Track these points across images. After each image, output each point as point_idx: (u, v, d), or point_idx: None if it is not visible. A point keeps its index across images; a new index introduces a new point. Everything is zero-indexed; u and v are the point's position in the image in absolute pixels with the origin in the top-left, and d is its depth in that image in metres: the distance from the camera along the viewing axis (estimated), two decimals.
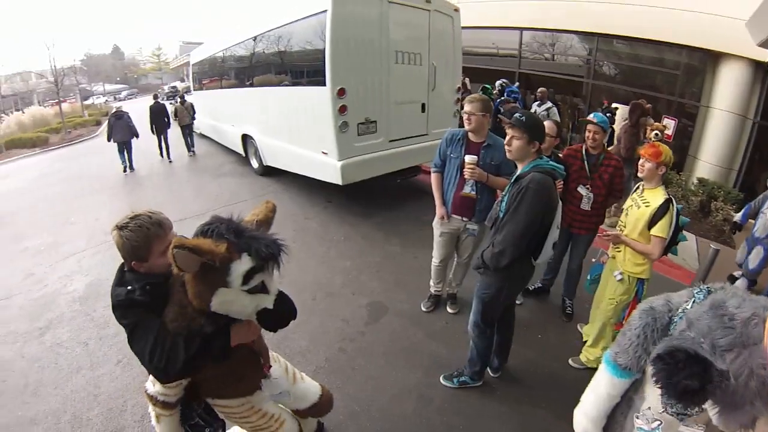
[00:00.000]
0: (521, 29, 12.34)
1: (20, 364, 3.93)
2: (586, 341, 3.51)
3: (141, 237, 1.71)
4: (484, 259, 2.62)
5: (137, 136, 11.31)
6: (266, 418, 2.11)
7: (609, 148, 4.11)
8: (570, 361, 3.45)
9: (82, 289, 5.14)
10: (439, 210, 3.77)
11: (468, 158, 3.38)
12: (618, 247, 3.19)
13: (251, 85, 8.80)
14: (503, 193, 2.67)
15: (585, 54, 11.73)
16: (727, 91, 9.26)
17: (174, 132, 12.77)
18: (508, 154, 2.57)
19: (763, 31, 6.05)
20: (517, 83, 9.51)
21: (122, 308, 1.70)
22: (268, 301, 1.72)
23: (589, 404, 1.59)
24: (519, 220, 2.38)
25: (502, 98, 7.67)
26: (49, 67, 25.57)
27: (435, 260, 4.10)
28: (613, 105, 8.36)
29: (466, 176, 3.42)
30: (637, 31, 10.01)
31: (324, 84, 5.65)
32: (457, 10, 7.02)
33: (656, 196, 2.93)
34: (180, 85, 37.12)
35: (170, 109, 13.42)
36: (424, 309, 4.23)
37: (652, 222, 2.90)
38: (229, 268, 1.56)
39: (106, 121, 12.97)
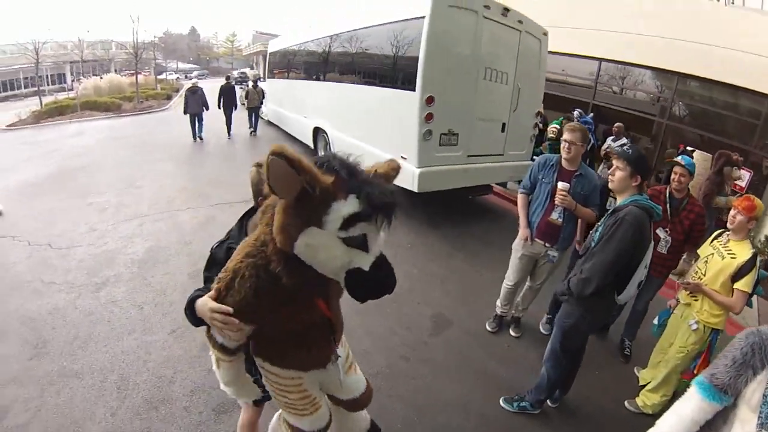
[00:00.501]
0: (600, 60, 11.95)
1: (72, 315, 3.96)
2: (643, 385, 3.40)
3: None
4: (570, 286, 2.61)
5: (207, 108, 12.48)
6: (305, 401, 1.94)
7: None
8: (626, 404, 3.33)
9: (141, 252, 5.20)
10: (524, 231, 3.69)
11: (561, 185, 3.33)
12: (695, 296, 3.08)
13: (331, 80, 8.81)
14: (598, 223, 2.69)
15: (662, 92, 11.21)
16: None
17: (238, 113, 13.65)
18: (610, 184, 2.66)
19: None
20: (591, 114, 9.22)
21: (207, 261, 1.86)
22: (365, 261, 1.42)
23: (667, 427, 1.54)
24: (610, 250, 2.40)
25: None
26: (131, 39, 26.95)
27: (508, 282, 3.97)
28: (688, 148, 7.95)
29: (556, 202, 3.37)
30: (722, 75, 9.40)
31: (413, 89, 5.58)
32: (545, 33, 6.92)
33: (743, 249, 2.88)
34: (249, 72, 38.28)
35: (239, 92, 14.24)
36: (489, 329, 4.10)
37: (738, 275, 2.83)
38: (330, 206, 1.31)
39: (182, 95, 14.23)
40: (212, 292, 1.56)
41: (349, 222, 1.32)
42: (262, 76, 25.84)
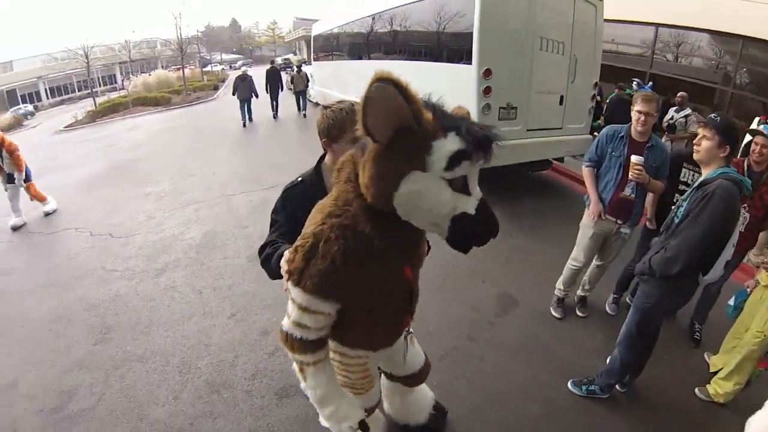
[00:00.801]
0: (657, 25, 11.07)
1: (134, 302, 4.02)
2: (715, 372, 3.11)
3: (338, 118, 1.76)
4: (652, 265, 2.42)
5: (257, 96, 13.22)
6: (364, 380, 1.81)
7: None
8: (696, 391, 3.05)
9: (198, 237, 5.25)
10: (596, 207, 3.38)
11: (636, 159, 3.04)
12: None
13: (382, 58, 8.69)
14: (682, 198, 2.56)
15: (724, 58, 10.29)
16: None
17: (286, 98, 14.29)
18: (695, 155, 2.46)
19: None
20: (650, 83, 8.61)
21: (277, 203, 1.93)
22: (470, 204, 1.24)
23: None
24: (698, 226, 2.23)
25: None
26: (175, 35, 27.80)
27: (576, 262, 3.67)
28: None
29: (631, 177, 3.09)
30: None
31: (470, 62, 5.36)
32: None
33: None
34: (293, 58, 38.73)
35: (285, 77, 15.01)
36: (556, 315, 3.83)
37: None
38: (431, 145, 1.14)
39: (228, 85, 15.16)
40: (287, 254, 1.41)
41: (453, 161, 1.14)
42: (306, 60, 26.19)
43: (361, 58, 9.87)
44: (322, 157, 1.95)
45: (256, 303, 3.80)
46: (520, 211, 6.01)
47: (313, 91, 14.85)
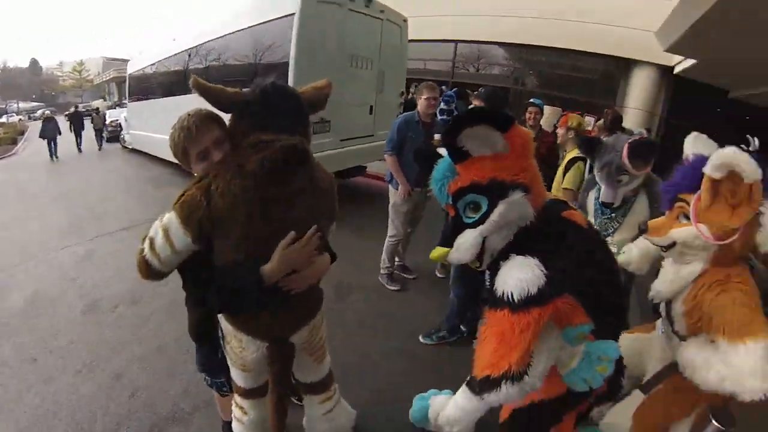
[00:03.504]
0: (456, 42, 13.27)
1: None
2: None
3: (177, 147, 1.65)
4: None
5: (60, 134, 15.02)
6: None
7: None
8: None
9: (20, 303, 4.39)
10: (406, 187, 3.87)
11: (439, 137, 3.64)
12: None
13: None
14: None
15: (512, 64, 12.92)
16: (638, 92, 10.84)
17: (87, 133, 16.55)
18: None
19: (670, 38, 7.25)
20: (455, 89, 9.93)
21: None
22: None
23: None
24: None
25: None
26: None
27: (395, 237, 4.17)
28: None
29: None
30: (559, 42, 11.23)
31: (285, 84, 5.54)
32: (405, 20, 7.28)
33: (570, 156, 3.31)
34: (102, 104, 35.01)
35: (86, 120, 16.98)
36: (395, 288, 4.28)
37: (562, 178, 3.28)
38: None
39: (27, 138, 16.77)
40: None
41: None
42: (120, 102, 24.52)
43: (185, 94, 9.43)
44: None
45: (103, 350, 3.45)
46: (342, 211, 6.26)
47: (129, 137, 13.86)
